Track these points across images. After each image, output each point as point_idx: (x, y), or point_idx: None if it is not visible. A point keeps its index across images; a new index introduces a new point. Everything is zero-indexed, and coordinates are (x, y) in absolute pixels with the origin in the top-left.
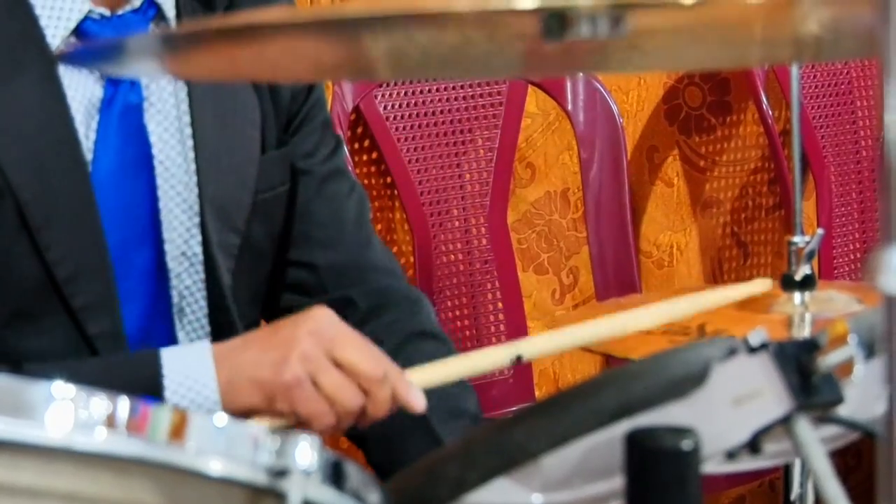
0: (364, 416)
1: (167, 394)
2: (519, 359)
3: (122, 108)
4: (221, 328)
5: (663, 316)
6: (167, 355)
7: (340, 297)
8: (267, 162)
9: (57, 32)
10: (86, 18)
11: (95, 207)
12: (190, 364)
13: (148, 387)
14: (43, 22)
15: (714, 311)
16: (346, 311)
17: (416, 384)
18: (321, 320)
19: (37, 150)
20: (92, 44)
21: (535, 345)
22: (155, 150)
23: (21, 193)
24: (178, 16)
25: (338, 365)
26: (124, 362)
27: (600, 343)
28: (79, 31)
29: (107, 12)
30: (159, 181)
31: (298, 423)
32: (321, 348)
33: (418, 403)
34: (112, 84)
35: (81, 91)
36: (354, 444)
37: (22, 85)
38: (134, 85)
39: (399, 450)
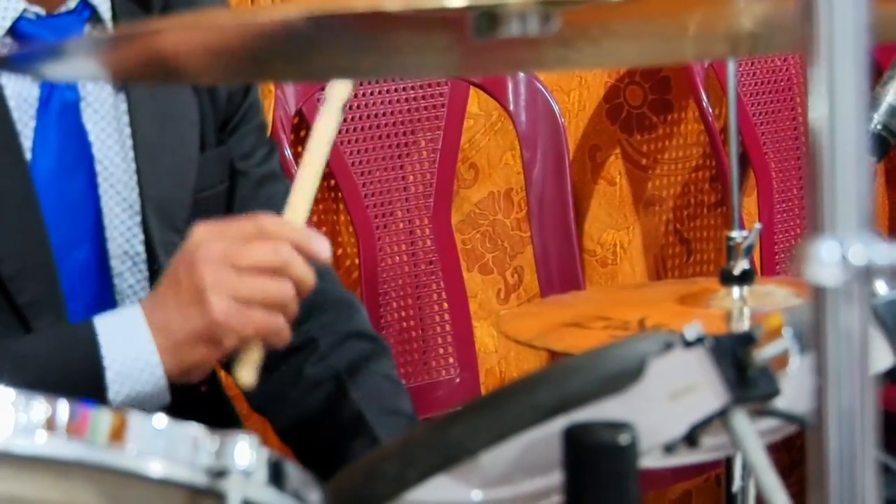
0: (301, 293)
1: (109, 369)
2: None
3: (60, 106)
4: None
5: None
6: (101, 328)
7: None
8: (206, 161)
9: None
10: (21, 18)
11: (38, 206)
12: (126, 335)
13: (89, 366)
14: None
15: (655, 304)
16: None
17: (299, 214)
18: (206, 243)
19: None
20: (28, 48)
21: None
22: (94, 149)
23: None
24: (115, 17)
25: (248, 271)
26: (62, 342)
27: None
28: (14, 30)
29: (42, 12)
30: (100, 180)
31: (262, 345)
32: (224, 269)
33: (325, 250)
34: (48, 83)
35: (18, 90)
36: (293, 450)
37: None
38: (70, 83)
39: (338, 453)
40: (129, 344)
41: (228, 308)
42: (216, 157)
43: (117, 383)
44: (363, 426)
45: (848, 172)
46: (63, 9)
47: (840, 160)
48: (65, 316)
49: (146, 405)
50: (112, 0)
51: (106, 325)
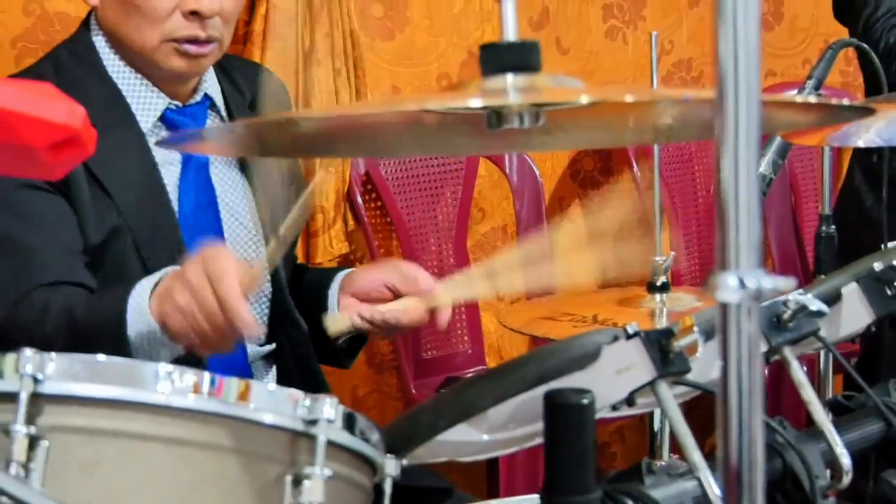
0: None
1: (129, 323)
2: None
3: (195, 166)
4: (280, 307)
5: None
6: (131, 298)
7: None
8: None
9: (147, 119)
10: (166, 109)
11: (179, 232)
12: (140, 295)
13: (116, 319)
14: (135, 111)
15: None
16: None
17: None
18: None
19: (139, 198)
20: (177, 134)
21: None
22: (223, 194)
23: (131, 224)
24: (226, 103)
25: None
26: (109, 298)
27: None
28: (163, 117)
29: (179, 104)
30: (223, 215)
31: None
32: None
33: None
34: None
35: (168, 157)
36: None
37: (126, 157)
38: None
39: None
40: (139, 297)
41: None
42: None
43: (130, 322)
44: None
45: (744, 225)
46: (192, 101)
47: (740, 216)
48: None
49: (154, 346)
50: (223, 92)
51: (135, 289)
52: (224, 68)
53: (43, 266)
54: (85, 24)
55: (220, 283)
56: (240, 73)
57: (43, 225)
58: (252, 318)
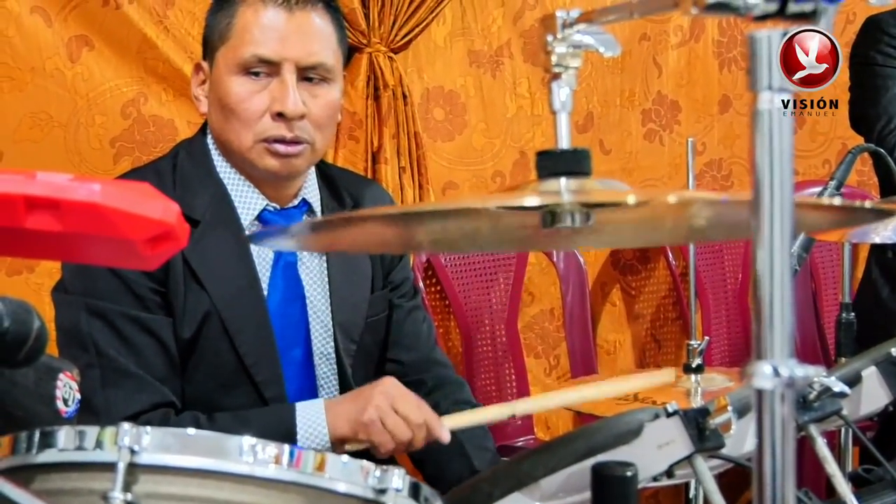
0: (411, 445)
1: (299, 432)
2: (513, 416)
3: (284, 264)
4: None
5: (603, 394)
6: (299, 409)
7: (416, 380)
8: (374, 298)
9: (247, 216)
10: (264, 210)
11: (270, 322)
12: (312, 414)
13: (288, 430)
14: (237, 207)
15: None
16: (419, 387)
17: (446, 425)
18: (388, 385)
19: (233, 287)
20: (267, 229)
21: (524, 406)
22: (306, 291)
23: (222, 312)
24: (323, 209)
25: (397, 413)
26: (273, 414)
27: (567, 406)
28: (260, 217)
29: (277, 206)
30: (309, 310)
31: (373, 447)
32: (387, 402)
33: (445, 437)
34: (278, 250)
35: (262, 254)
36: (417, 466)
37: (225, 248)
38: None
39: (446, 468)
40: (312, 423)
41: (374, 421)
42: (381, 296)
43: (302, 443)
44: (464, 456)
45: (778, 318)
46: (290, 205)
47: (774, 310)
48: (284, 389)
49: None
50: (321, 199)
51: (301, 409)
52: (328, 178)
53: (144, 391)
54: (203, 129)
55: (417, 406)
56: (344, 183)
57: (143, 355)
58: (447, 430)
